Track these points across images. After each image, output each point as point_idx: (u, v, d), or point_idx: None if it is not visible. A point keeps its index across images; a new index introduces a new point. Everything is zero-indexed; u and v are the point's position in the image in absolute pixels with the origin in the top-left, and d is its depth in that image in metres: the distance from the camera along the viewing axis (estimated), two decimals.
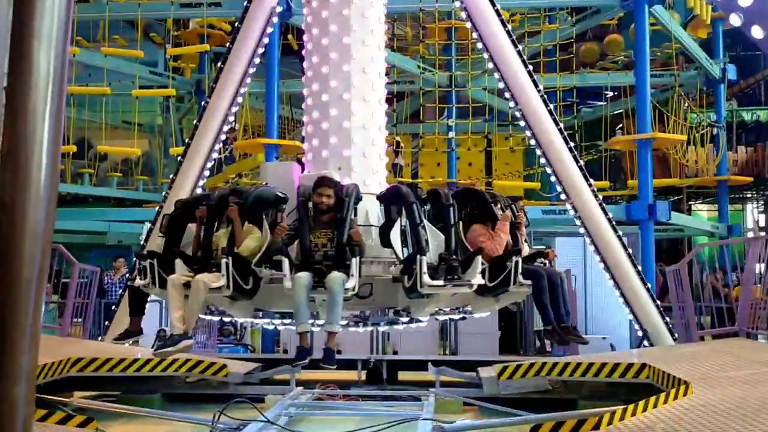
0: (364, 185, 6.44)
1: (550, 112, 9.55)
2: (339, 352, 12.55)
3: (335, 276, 5.48)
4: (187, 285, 5.68)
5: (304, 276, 5.51)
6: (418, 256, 5.52)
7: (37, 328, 0.76)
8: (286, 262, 5.55)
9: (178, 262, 5.74)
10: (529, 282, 6.01)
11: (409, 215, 5.70)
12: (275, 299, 5.94)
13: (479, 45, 9.86)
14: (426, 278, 5.47)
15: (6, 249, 0.74)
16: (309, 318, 5.64)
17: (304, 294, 5.48)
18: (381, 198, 6.14)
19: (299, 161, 7.39)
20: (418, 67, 18.57)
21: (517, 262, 5.91)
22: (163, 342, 5.70)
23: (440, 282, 5.56)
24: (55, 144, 0.76)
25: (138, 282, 6.13)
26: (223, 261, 5.49)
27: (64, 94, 0.83)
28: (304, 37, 7.17)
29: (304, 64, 7.09)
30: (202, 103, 11.05)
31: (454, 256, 5.79)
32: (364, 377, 9.39)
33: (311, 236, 5.79)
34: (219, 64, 10.55)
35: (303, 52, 7.18)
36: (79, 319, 10.70)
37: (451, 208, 5.98)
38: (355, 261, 5.61)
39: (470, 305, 6.49)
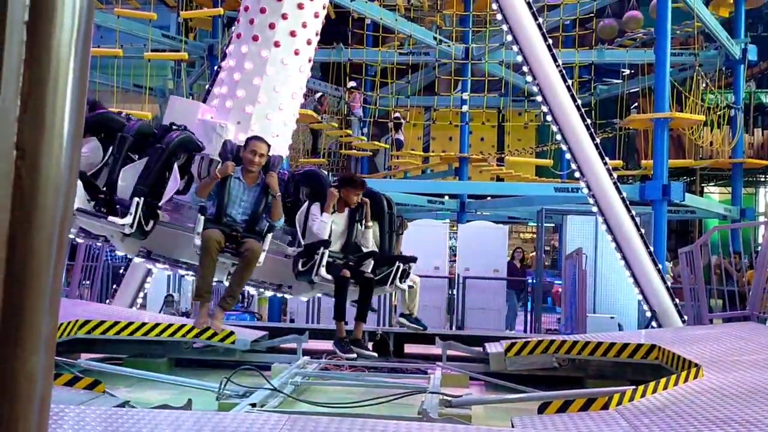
0: None
1: (568, 88, 9.40)
2: (345, 323, 12.61)
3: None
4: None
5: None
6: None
7: (58, 289, 0.69)
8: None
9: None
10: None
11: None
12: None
13: (498, 17, 9.67)
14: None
15: (25, 200, 0.67)
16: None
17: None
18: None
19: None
20: (434, 38, 18.33)
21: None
22: None
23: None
24: (82, 86, 0.68)
25: None
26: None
27: (91, 30, 0.75)
28: None
29: (239, 9, 6.90)
30: (215, 68, 10.92)
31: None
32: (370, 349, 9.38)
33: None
34: (232, 29, 10.40)
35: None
36: (87, 282, 10.72)
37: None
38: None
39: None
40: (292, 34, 6.36)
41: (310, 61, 6.61)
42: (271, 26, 6.31)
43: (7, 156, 0.65)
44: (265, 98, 6.32)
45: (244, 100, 6.33)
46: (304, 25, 6.41)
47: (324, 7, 6.66)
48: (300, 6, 6.33)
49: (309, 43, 6.52)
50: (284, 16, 6.31)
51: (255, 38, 6.31)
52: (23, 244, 0.66)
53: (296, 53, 6.41)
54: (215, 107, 6.51)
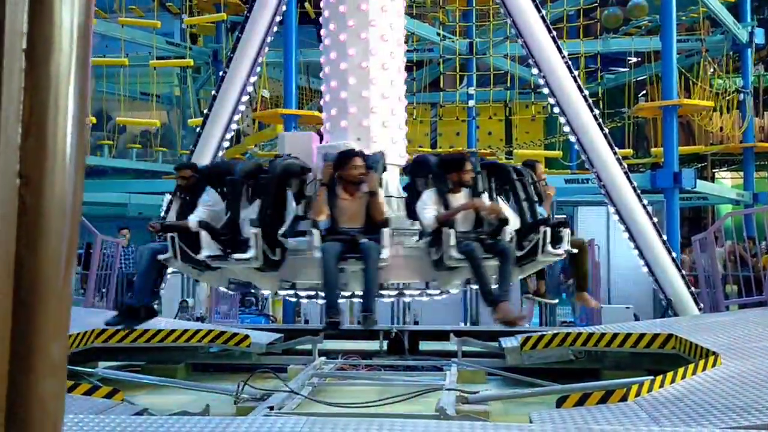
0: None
1: (574, 78, 9.35)
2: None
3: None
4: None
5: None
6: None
7: (67, 313, 0.69)
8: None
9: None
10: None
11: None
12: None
13: (501, 10, 9.64)
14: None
15: (30, 227, 0.67)
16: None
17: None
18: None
19: (319, 132, 7.28)
20: (438, 34, 18.29)
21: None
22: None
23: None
24: (82, 110, 0.68)
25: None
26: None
27: (89, 54, 0.75)
28: (321, 4, 7.06)
29: (322, 32, 6.98)
30: (220, 73, 10.96)
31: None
32: (385, 347, 9.38)
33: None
34: (236, 34, 10.43)
35: (320, 20, 7.07)
36: (102, 290, 10.78)
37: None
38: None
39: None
40: (383, 38, 6.48)
41: (403, 60, 6.73)
42: (362, 35, 6.44)
43: (11, 183, 0.65)
44: (378, 107, 6.40)
45: (358, 115, 6.42)
46: (391, 27, 6.54)
47: (403, 5, 6.79)
48: (383, 9, 6.44)
49: (400, 43, 6.65)
50: (372, 22, 6.43)
51: (352, 53, 6.43)
52: (30, 270, 0.66)
53: (392, 56, 6.52)
54: (328, 131, 6.63)
